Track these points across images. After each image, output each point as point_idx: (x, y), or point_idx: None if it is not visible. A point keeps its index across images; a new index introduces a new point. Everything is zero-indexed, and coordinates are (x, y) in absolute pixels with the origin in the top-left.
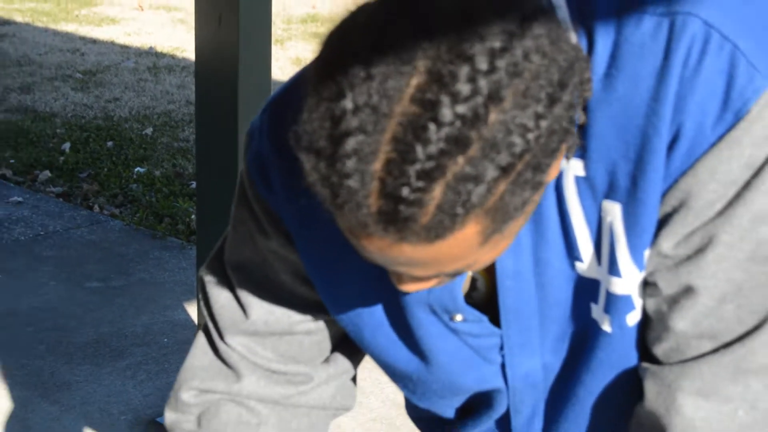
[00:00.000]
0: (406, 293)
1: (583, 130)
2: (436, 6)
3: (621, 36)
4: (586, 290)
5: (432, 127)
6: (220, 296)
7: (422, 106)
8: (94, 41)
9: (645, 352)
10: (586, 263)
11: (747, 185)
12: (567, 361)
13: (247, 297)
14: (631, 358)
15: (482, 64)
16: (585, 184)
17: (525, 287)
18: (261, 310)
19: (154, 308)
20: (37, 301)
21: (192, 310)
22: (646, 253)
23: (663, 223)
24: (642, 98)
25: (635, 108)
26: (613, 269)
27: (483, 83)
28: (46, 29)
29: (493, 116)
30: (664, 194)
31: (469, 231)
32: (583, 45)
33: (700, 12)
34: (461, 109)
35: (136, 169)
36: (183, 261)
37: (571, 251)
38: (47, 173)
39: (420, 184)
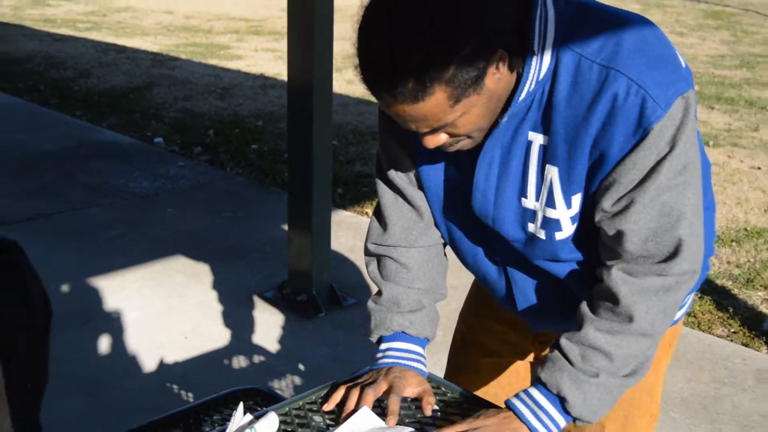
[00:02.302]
0: (432, 147)
1: (550, 119)
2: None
3: (578, 71)
4: (526, 215)
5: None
6: (381, 180)
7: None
8: (228, 70)
9: (603, 263)
10: (529, 200)
11: (653, 169)
12: (517, 249)
13: (391, 165)
14: (557, 254)
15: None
16: (542, 150)
17: (487, 200)
18: (400, 180)
19: (262, 229)
20: (193, 224)
21: (284, 228)
22: (573, 198)
23: (605, 191)
24: (584, 112)
25: (579, 116)
26: (550, 203)
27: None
28: (199, 63)
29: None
30: (607, 177)
31: (439, 95)
32: (551, 67)
33: (626, 71)
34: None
35: (252, 146)
36: (280, 201)
37: (522, 190)
38: (199, 148)
39: (403, 67)
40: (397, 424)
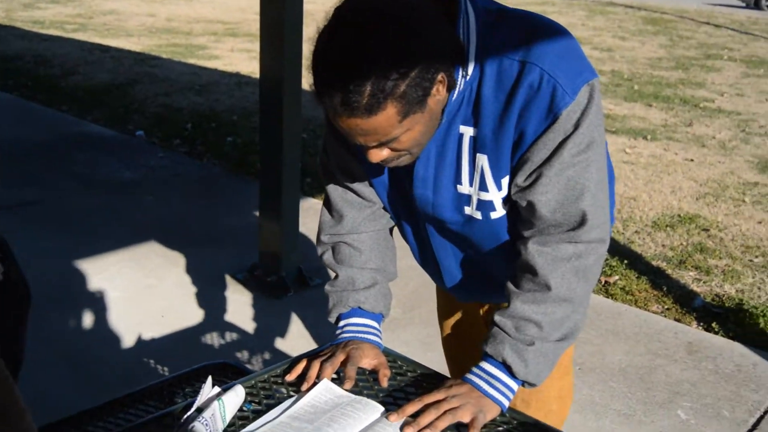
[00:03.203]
0: (375, 162)
1: (478, 113)
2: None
3: (500, 68)
4: (461, 199)
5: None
6: (328, 180)
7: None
8: (206, 68)
9: (520, 235)
10: (464, 186)
11: (558, 147)
12: (457, 229)
13: (340, 171)
14: (495, 233)
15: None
16: (472, 141)
17: (426, 187)
18: (347, 179)
19: (236, 213)
20: (171, 210)
21: (256, 214)
22: (502, 181)
23: (519, 168)
24: (506, 103)
25: (502, 107)
26: (482, 188)
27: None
28: (179, 62)
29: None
30: (522, 156)
31: (390, 110)
32: (477, 69)
33: (538, 62)
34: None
35: (228, 139)
36: (252, 190)
37: (457, 178)
38: (178, 140)
39: (359, 82)
40: (356, 395)
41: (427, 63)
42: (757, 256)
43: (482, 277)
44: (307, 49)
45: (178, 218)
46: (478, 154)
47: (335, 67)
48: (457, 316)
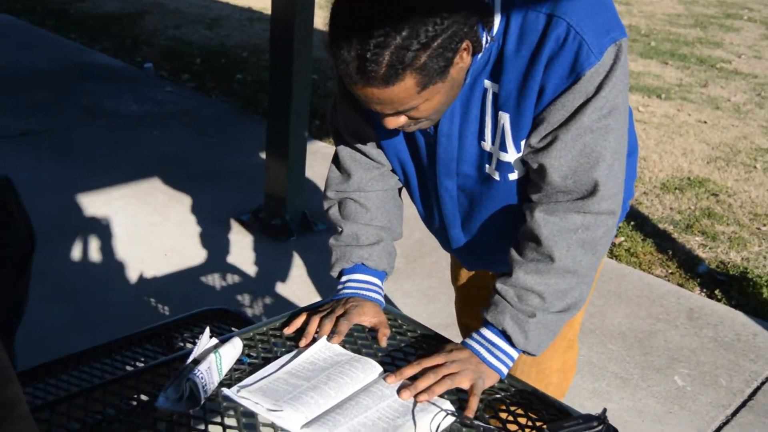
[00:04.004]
0: (391, 128)
1: (501, 69)
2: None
3: (525, 22)
4: (483, 156)
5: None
6: (337, 138)
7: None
8: (217, 2)
9: (528, 198)
10: (487, 143)
11: (577, 111)
12: (473, 189)
13: (349, 133)
14: (510, 195)
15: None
16: (494, 98)
17: (451, 142)
18: (357, 141)
19: (242, 153)
20: (177, 147)
21: (263, 155)
22: (522, 143)
23: (535, 128)
24: (530, 59)
25: (526, 63)
26: (502, 148)
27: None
28: None
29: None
30: (538, 115)
31: (409, 81)
32: (502, 23)
33: (566, 16)
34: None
35: (237, 76)
36: (261, 129)
37: (481, 134)
38: (187, 75)
39: (377, 51)
40: (354, 354)
41: (451, 31)
42: (764, 224)
43: (489, 245)
44: None
45: (183, 155)
46: (500, 112)
47: (352, 32)
48: (467, 279)
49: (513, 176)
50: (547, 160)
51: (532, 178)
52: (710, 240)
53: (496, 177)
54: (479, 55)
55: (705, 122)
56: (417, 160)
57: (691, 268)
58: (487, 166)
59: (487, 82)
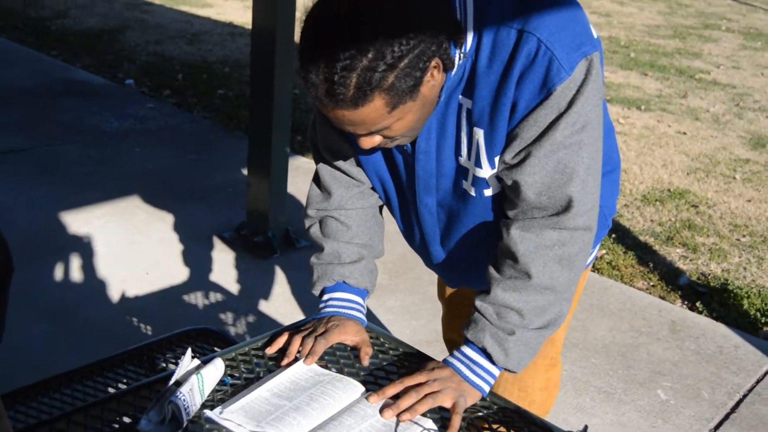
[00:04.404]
0: (367, 148)
1: (474, 85)
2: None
3: (497, 37)
4: (461, 172)
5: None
6: (317, 156)
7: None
8: (198, 17)
9: (504, 215)
10: (463, 158)
11: (550, 126)
12: (451, 205)
13: (328, 152)
14: (486, 211)
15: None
16: (468, 114)
17: (429, 159)
18: (337, 161)
19: (224, 169)
20: (159, 164)
21: (244, 171)
22: (496, 159)
23: (507, 145)
24: (501, 74)
25: (498, 79)
26: (477, 164)
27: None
28: (171, 8)
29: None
30: (511, 131)
31: (378, 102)
32: (474, 39)
33: (536, 32)
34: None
35: (219, 91)
36: (243, 145)
37: (458, 149)
38: (168, 91)
39: (344, 74)
40: (336, 373)
41: (418, 50)
42: (744, 236)
43: (468, 262)
44: (301, 1)
45: (165, 172)
46: (474, 128)
47: (319, 56)
48: (452, 295)
49: (488, 192)
50: (521, 177)
51: (508, 195)
52: (691, 252)
53: (472, 193)
54: (452, 72)
55: (685, 133)
56: (396, 178)
57: (673, 280)
58: (463, 181)
59: (461, 98)
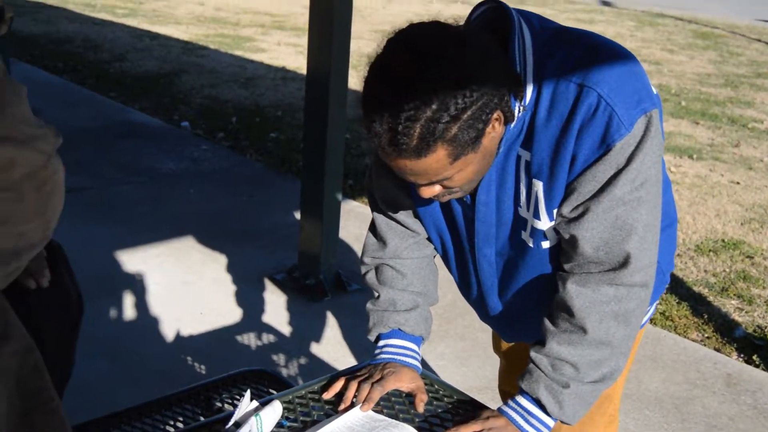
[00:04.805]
0: (427, 197)
1: (532, 138)
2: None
3: (556, 91)
4: (520, 222)
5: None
6: (374, 205)
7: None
8: (252, 61)
9: (561, 268)
10: (522, 209)
11: (609, 182)
12: (510, 255)
13: (384, 203)
14: (544, 263)
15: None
16: (527, 166)
17: (489, 210)
18: (395, 213)
19: (276, 211)
20: (213, 205)
21: (297, 214)
22: (554, 212)
23: (565, 198)
24: (561, 128)
25: (558, 133)
26: (536, 215)
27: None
28: (226, 53)
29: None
30: (570, 184)
31: (440, 153)
32: (534, 92)
33: (597, 87)
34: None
35: (271, 134)
36: (295, 188)
37: (516, 200)
38: (222, 134)
39: (408, 124)
40: (392, 419)
41: (481, 102)
42: None
43: (525, 314)
44: (356, 45)
45: (218, 213)
46: (534, 180)
47: (383, 106)
48: (509, 348)
49: (546, 244)
50: (579, 232)
51: (565, 248)
52: (746, 303)
53: (531, 244)
54: (512, 124)
55: (738, 183)
56: (454, 229)
57: (728, 332)
58: (522, 232)
59: (520, 150)
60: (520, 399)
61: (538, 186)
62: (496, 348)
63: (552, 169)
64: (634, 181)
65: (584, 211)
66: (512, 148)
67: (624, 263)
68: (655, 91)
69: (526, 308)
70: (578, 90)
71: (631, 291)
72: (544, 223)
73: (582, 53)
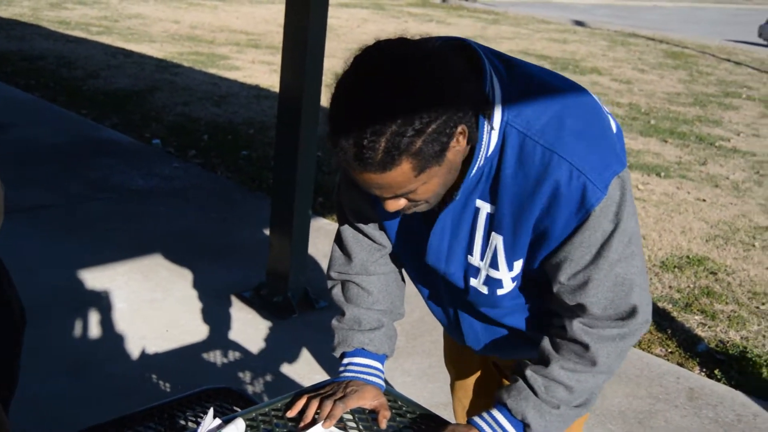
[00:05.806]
0: (392, 211)
1: (497, 190)
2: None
3: (523, 150)
4: (470, 270)
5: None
6: (341, 219)
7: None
8: (226, 79)
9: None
10: (474, 257)
11: (603, 247)
12: (463, 299)
13: (353, 214)
14: (498, 304)
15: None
16: (489, 218)
17: (440, 258)
18: (361, 225)
19: (246, 231)
20: (182, 223)
21: (266, 231)
22: (515, 263)
23: (559, 266)
24: (528, 190)
25: (523, 193)
26: (493, 266)
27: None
28: (200, 71)
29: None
30: (555, 250)
31: (405, 166)
32: (499, 142)
33: (566, 156)
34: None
35: (243, 152)
36: (265, 206)
37: (469, 248)
38: (193, 151)
39: (373, 138)
40: None
41: (446, 116)
42: (763, 303)
43: (495, 334)
44: (329, 63)
45: (187, 231)
46: (493, 233)
47: (349, 120)
48: (465, 361)
49: (501, 291)
50: (586, 299)
51: (567, 307)
52: (709, 319)
53: (484, 291)
54: (472, 172)
55: (704, 200)
56: (416, 253)
57: (691, 347)
58: (473, 279)
59: (479, 202)
60: (497, 414)
61: (498, 239)
62: (449, 362)
63: (515, 225)
64: (623, 240)
65: (586, 280)
66: (470, 198)
67: (631, 313)
68: (614, 124)
69: (484, 337)
70: (546, 156)
71: (637, 331)
72: (503, 273)
73: (551, 111)
